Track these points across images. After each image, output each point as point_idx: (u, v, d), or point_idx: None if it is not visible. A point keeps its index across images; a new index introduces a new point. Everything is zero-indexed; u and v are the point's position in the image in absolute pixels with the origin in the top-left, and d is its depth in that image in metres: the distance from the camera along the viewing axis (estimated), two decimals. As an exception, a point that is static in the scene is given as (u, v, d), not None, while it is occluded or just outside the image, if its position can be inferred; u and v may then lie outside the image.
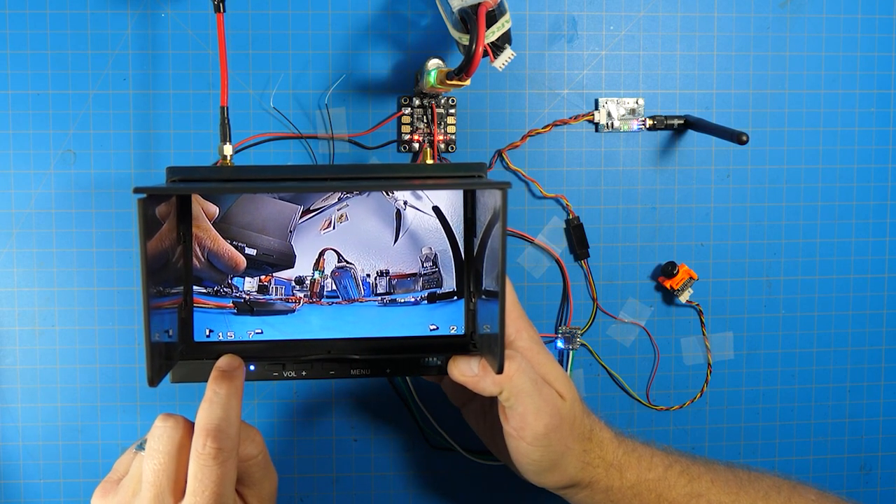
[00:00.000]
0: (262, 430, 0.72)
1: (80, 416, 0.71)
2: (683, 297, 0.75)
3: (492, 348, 0.52)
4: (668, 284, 0.74)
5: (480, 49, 0.56)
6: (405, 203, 0.58)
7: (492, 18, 0.58)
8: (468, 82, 0.61)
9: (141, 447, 0.51)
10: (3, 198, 0.70)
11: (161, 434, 0.49)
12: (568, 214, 0.74)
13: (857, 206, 0.77)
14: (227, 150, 0.61)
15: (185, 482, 0.49)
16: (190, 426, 0.50)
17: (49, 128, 0.70)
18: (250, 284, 0.57)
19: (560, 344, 0.74)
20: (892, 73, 0.76)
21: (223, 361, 0.53)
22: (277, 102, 0.71)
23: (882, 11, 0.75)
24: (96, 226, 0.70)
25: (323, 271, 0.58)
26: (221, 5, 0.61)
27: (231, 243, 0.57)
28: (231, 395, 0.51)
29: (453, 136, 0.72)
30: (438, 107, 0.71)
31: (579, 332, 0.74)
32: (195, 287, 0.57)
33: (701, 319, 0.76)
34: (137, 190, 0.45)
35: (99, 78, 0.70)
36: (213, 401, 0.50)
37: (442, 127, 0.72)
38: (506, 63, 0.61)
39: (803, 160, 0.76)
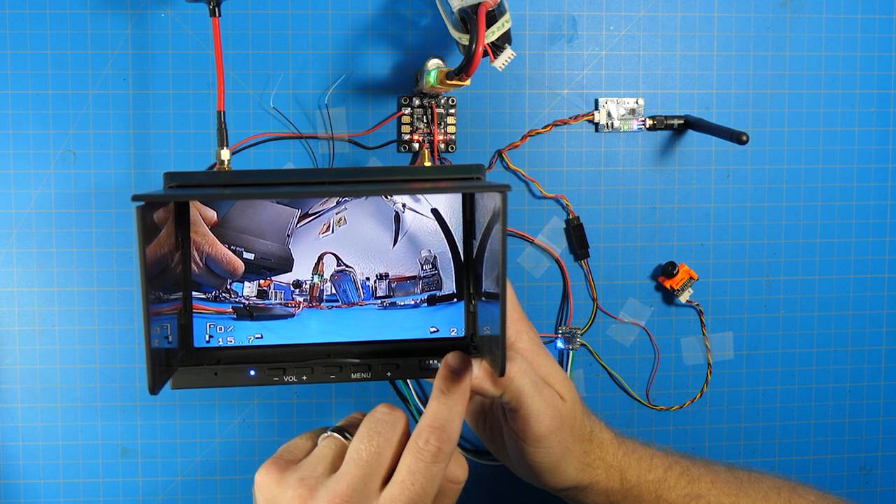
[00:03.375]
0: (261, 430, 0.73)
1: (79, 416, 0.71)
2: (683, 297, 0.75)
3: (492, 350, 0.52)
4: (668, 284, 0.74)
5: (480, 49, 0.56)
6: (404, 206, 0.58)
7: (492, 18, 0.58)
8: (468, 82, 0.61)
9: (340, 433, 0.51)
10: (3, 198, 0.70)
11: (385, 420, 0.49)
12: (568, 214, 0.74)
13: (857, 206, 0.77)
14: (225, 154, 0.61)
15: (389, 473, 0.48)
16: (408, 423, 0.50)
17: (49, 128, 0.69)
18: (249, 289, 0.57)
19: (560, 344, 0.74)
20: (892, 73, 0.76)
21: (452, 359, 0.52)
22: (277, 102, 0.70)
23: (882, 11, 0.75)
24: (96, 226, 0.70)
25: (322, 275, 0.58)
26: (217, 9, 0.61)
27: (229, 248, 0.57)
28: (458, 397, 0.50)
29: (453, 136, 0.72)
30: (438, 107, 0.71)
31: (579, 332, 0.74)
32: (194, 293, 0.57)
33: (701, 319, 0.76)
34: (136, 198, 0.45)
35: (98, 78, 0.69)
36: (440, 400, 0.50)
37: (442, 127, 0.72)
38: (506, 63, 0.60)
39: (803, 160, 0.76)
